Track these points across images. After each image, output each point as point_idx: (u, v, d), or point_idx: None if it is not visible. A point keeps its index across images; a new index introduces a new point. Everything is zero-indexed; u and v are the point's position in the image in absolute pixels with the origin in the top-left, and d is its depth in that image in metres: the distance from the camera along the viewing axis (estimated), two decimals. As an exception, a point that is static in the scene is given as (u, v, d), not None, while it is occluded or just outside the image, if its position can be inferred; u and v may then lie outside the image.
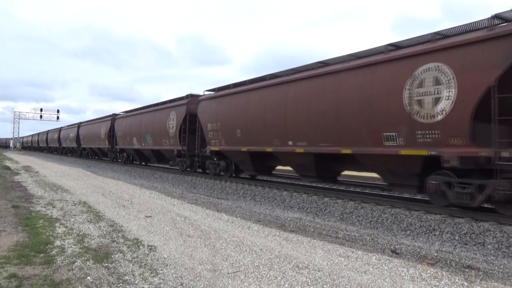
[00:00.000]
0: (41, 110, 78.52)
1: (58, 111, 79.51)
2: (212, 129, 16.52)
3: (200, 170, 19.75)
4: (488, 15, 7.99)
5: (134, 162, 29.32)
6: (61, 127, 53.11)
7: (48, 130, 62.89)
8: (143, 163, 28.24)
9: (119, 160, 30.73)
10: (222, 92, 16.50)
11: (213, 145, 16.59)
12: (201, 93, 19.22)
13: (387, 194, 13.00)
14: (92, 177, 20.13)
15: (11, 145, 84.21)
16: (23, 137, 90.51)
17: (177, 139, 19.35)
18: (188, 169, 19.95)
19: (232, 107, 15.27)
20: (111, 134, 30.45)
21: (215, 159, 17.33)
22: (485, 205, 8.85)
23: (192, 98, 19.35)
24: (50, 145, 59.27)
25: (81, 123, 42.27)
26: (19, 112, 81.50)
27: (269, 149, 13.28)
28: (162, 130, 21.05)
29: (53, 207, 9.99)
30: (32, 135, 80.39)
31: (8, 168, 24.04)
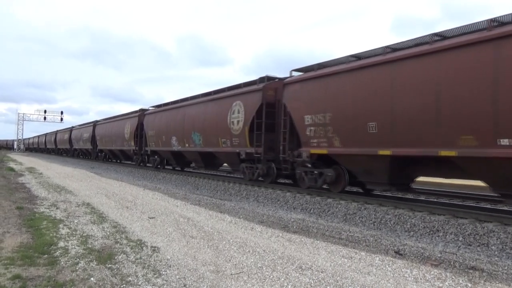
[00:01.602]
0: (45, 111, 79.04)
1: (62, 112, 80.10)
2: (313, 123, 11.71)
3: (277, 180, 14.94)
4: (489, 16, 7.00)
5: (167, 167, 24.34)
6: (73, 127, 49.37)
7: (57, 130, 59.77)
8: (177, 168, 23.63)
9: (149, 165, 25.60)
10: (333, 69, 11.25)
11: (314, 146, 11.78)
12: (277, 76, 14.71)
13: (390, 195, 12.98)
14: (96, 178, 20.20)
15: (15, 146, 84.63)
16: (29, 138, 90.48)
17: (246, 138, 14.46)
18: (260, 179, 14.94)
19: (359, 90, 10.27)
20: (139, 134, 25.68)
21: (309, 165, 12.36)
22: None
23: (270, 82, 14.27)
24: (60, 147, 55.94)
25: (97, 121, 37.75)
26: (23, 113, 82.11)
27: (447, 153, 8.36)
28: (220, 126, 15.95)
29: (57, 208, 10.02)
30: (39, 136, 78.35)
31: (12, 169, 24.14)
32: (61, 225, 7.85)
